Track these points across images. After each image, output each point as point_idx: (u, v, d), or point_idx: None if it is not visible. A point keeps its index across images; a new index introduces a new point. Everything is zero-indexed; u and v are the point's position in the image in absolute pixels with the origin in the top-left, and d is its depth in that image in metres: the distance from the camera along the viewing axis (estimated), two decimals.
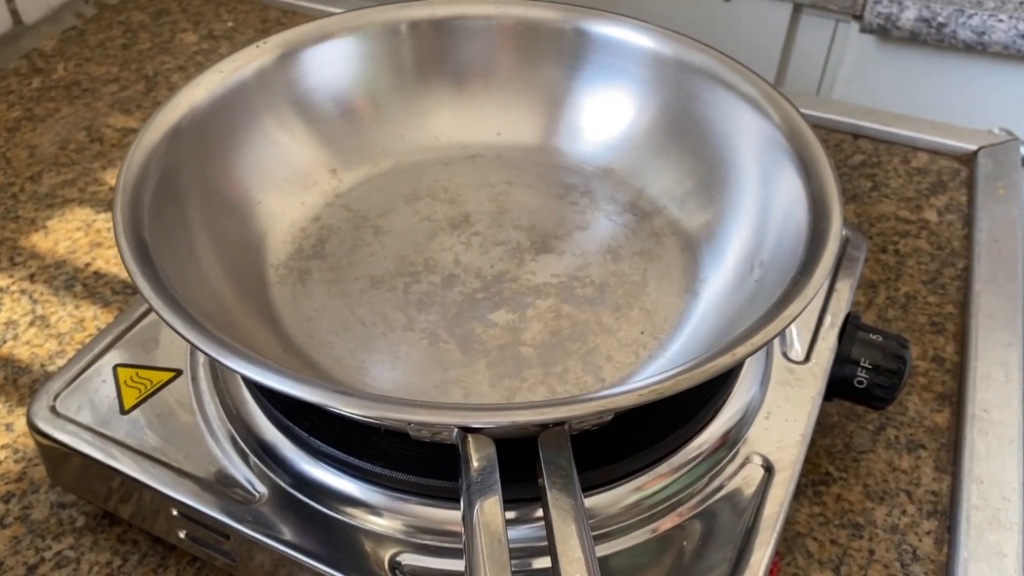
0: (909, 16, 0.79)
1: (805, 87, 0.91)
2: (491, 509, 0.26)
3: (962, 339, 0.47)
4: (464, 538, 0.26)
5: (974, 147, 0.59)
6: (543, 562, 0.31)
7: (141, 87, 0.64)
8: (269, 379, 0.26)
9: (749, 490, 0.34)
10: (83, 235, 0.52)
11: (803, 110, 0.37)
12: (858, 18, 0.83)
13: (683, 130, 0.41)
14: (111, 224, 0.53)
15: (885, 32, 0.80)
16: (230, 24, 0.70)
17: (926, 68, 0.82)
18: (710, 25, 0.92)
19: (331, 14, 0.72)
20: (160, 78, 0.64)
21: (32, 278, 0.49)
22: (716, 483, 0.34)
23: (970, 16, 0.77)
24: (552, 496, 0.26)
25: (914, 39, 0.80)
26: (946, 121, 0.62)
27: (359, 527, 0.32)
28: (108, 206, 0.54)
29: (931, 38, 0.79)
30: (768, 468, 0.34)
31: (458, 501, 0.32)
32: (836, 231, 0.31)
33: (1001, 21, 0.76)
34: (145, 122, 0.36)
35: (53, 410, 0.36)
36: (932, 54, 0.82)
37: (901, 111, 0.63)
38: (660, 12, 0.93)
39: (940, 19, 0.78)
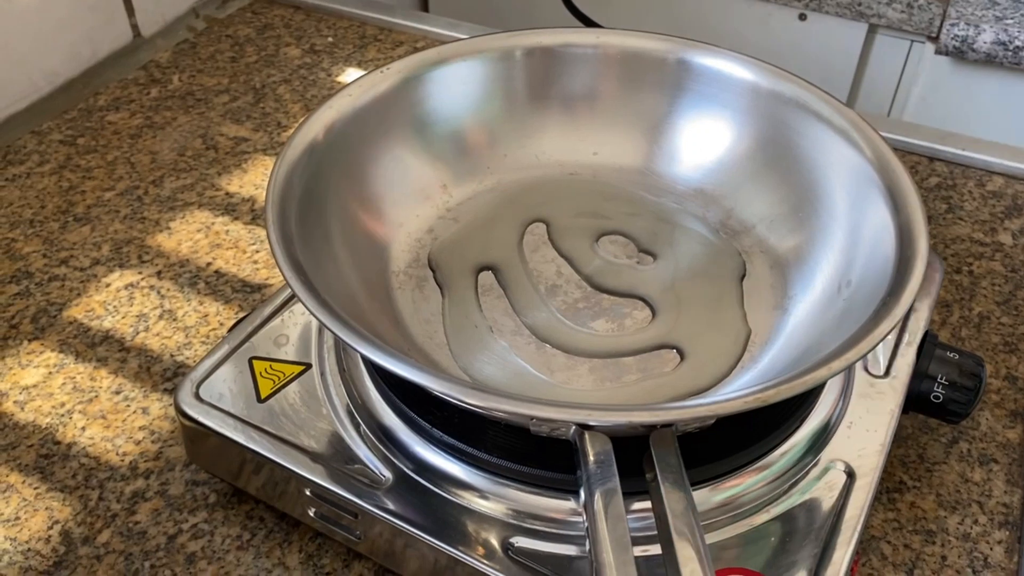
0: (986, 39, 0.80)
1: (878, 107, 0.93)
2: (612, 499, 0.29)
3: None
4: (587, 526, 0.29)
5: None
6: (641, 551, 0.34)
7: (250, 98, 0.68)
8: (423, 379, 0.30)
9: (832, 493, 0.36)
10: (203, 236, 0.56)
11: (881, 132, 0.40)
12: (934, 39, 0.85)
13: (776, 158, 0.43)
14: (229, 227, 0.57)
15: (961, 54, 0.82)
16: (330, 39, 0.75)
17: (1001, 91, 0.83)
18: (785, 43, 0.94)
19: (423, 31, 0.75)
20: (267, 90, 0.69)
21: (159, 275, 0.54)
22: (802, 485, 0.37)
23: None
24: (665, 490, 0.29)
25: (990, 62, 0.81)
26: (1020, 144, 0.63)
27: (476, 511, 0.36)
28: (226, 210, 0.58)
29: (1007, 61, 0.80)
30: (850, 474, 0.37)
31: (561, 491, 0.35)
32: (922, 259, 0.34)
33: None
34: (286, 141, 0.40)
35: (197, 396, 0.40)
36: (1007, 77, 0.83)
37: (974, 133, 0.65)
38: (736, 30, 0.96)
39: (1017, 42, 0.79)
